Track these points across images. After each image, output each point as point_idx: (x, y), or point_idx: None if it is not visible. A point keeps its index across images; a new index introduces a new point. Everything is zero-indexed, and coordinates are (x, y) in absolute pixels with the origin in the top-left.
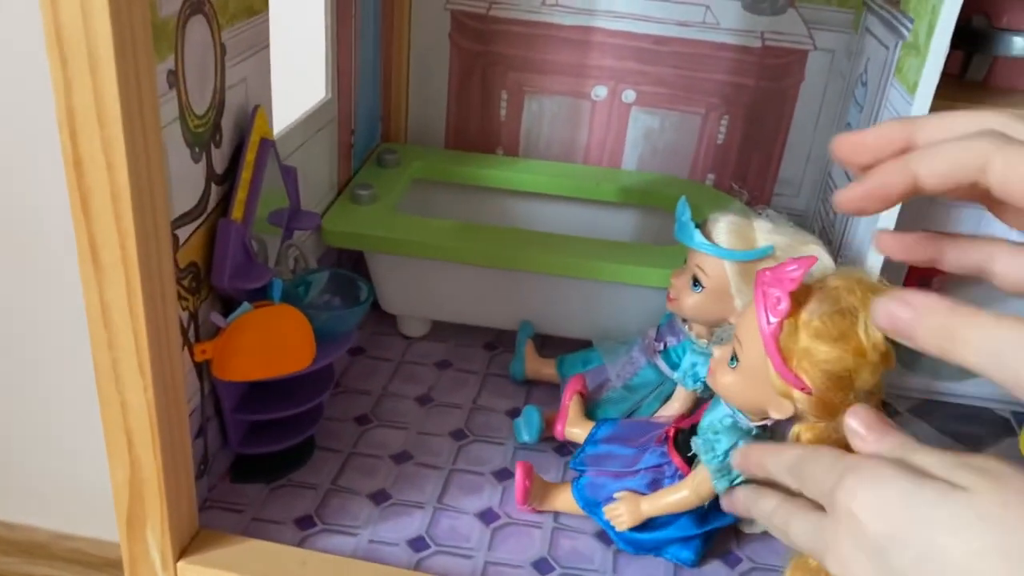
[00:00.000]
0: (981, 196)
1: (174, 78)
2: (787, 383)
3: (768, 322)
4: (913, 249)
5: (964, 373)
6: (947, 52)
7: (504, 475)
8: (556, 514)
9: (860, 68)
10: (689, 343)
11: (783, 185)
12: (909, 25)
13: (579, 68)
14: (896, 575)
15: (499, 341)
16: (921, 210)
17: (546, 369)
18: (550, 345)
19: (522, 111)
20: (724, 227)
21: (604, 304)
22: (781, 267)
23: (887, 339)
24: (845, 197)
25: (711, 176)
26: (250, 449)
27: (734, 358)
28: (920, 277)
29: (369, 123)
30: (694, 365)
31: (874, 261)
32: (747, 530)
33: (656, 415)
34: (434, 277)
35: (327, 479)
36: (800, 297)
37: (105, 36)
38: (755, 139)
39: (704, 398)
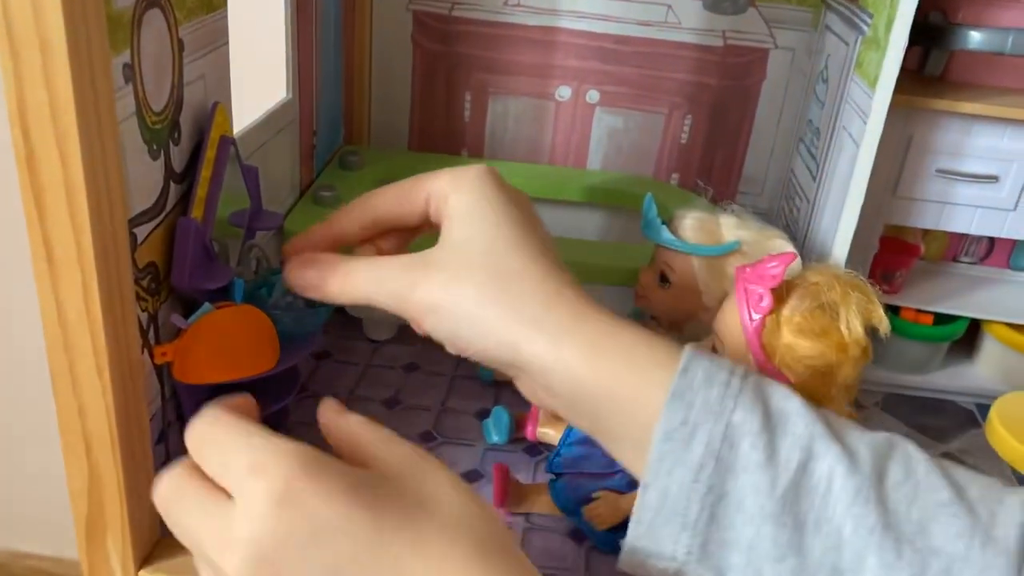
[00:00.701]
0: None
1: (130, 72)
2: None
3: (751, 319)
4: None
5: (925, 366)
6: (906, 46)
7: (474, 476)
8: (528, 514)
9: (821, 65)
10: None
11: (747, 183)
12: (868, 20)
13: (543, 68)
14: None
15: None
16: (883, 203)
17: None
18: None
19: (486, 112)
20: (690, 223)
21: None
22: (761, 264)
23: (865, 333)
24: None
25: (675, 175)
26: None
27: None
28: (884, 269)
29: (331, 125)
30: None
31: (839, 254)
32: None
33: None
34: None
35: None
36: (780, 293)
37: (58, 27)
38: (718, 138)
39: None
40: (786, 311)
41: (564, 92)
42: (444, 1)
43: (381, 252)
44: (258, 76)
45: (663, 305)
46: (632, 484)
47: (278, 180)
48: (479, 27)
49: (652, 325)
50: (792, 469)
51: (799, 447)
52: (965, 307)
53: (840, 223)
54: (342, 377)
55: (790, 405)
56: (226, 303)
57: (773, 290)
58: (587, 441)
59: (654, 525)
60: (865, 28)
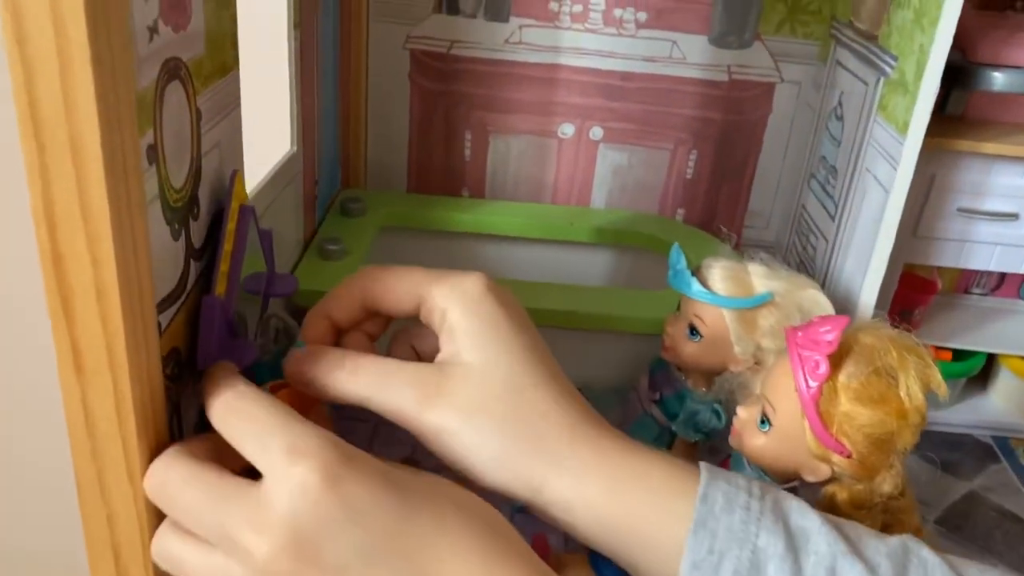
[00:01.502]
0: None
1: (154, 153)
2: (827, 447)
3: (808, 386)
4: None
5: (944, 401)
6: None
7: None
8: None
9: (833, 102)
10: (687, 392)
11: (753, 217)
12: (892, 62)
13: (545, 106)
14: None
15: None
16: (904, 243)
17: None
18: None
19: (487, 151)
20: (719, 274)
21: (588, 354)
22: (813, 328)
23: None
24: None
25: (681, 211)
26: None
27: (764, 420)
28: (903, 307)
29: (330, 170)
30: (694, 414)
31: (867, 299)
32: None
33: None
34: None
35: None
36: (834, 358)
37: (90, 116)
38: (724, 172)
39: (697, 444)
40: (843, 377)
41: (567, 129)
42: (442, 39)
43: (369, 336)
44: (256, 128)
45: (692, 358)
46: None
47: (283, 234)
48: (478, 65)
49: (679, 376)
50: None
51: (823, 567)
52: (982, 342)
53: (869, 268)
54: (352, 435)
55: (809, 523)
56: (280, 382)
57: (829, 356)
58: None
59: None
60: (888, 70)
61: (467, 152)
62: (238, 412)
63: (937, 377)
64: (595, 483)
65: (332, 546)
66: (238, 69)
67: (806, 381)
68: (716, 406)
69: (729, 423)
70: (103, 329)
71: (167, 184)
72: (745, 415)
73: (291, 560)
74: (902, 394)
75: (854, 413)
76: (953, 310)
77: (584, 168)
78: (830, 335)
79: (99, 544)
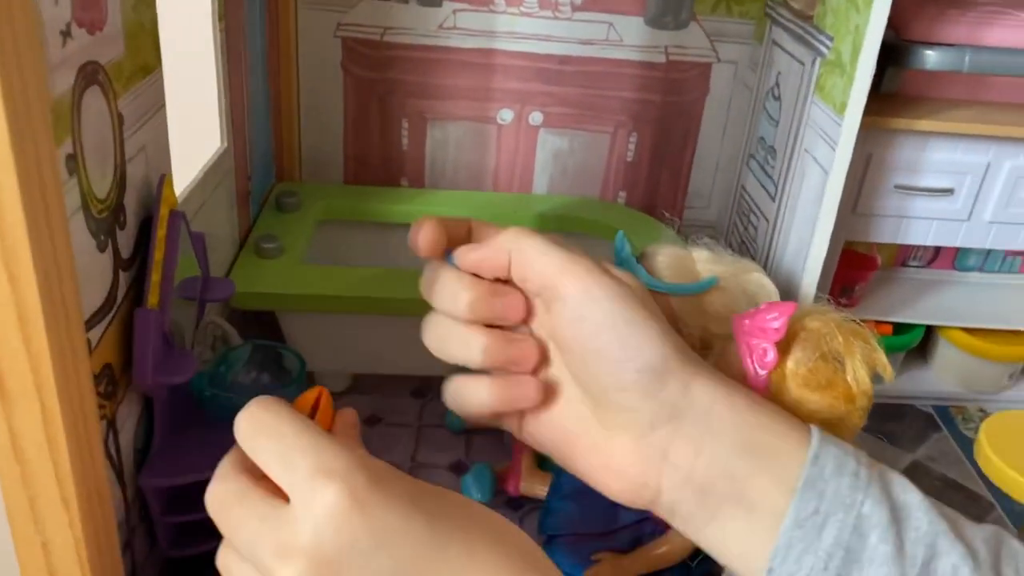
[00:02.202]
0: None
1: (74, 163)
2: None
3: (757, 374)
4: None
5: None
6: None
7: None
8: None
9: (771, 81)
10: None
11: (694, 198)
12: (828, 43)
13: (482, 92)
14: None
15: (427, 387)
16: (844, 221)
17: None
18: None
19: (425, 139)
20: (664, 261)
21: None
22: (760, 316)
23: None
24: None
25: (622, 194)
26: (182, 551)
27: None
28: (843, 284)
29: (264, 165)
30: None
31: (810, 280)
32: None
33: None
34: (355, 328)
35: None
36: (781, 344)
37: None
38: (664, 154)
39: None
40: (790, 364)
41: (506, 115)
42: (375, 26)
43: None
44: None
45: None
46: (634, 542)
47: (217, 234)
48: (413, 52)
49: None
50: (918, 564)
51: (923, 544)
52: (920, 314)
53: (811, 247)
54: None
55: (911, 498)
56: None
57: (777, 343)
58: (579, 494)
59: None
60: (824, 51)
61: (405, 141)
62: (265, 429)
63: (883, 360)
64: (740, 392)
65: (357, 573)
66: (161, 68)
67: (755, 369)
68: None
69: None
70: (27, 350)
71: (90, 195)
72: None
73: None
74: (849, 379)
75: (804, 399)
76: (891, 284)
77: (525, 154)
78: (777, 323)
79: (34, 573)
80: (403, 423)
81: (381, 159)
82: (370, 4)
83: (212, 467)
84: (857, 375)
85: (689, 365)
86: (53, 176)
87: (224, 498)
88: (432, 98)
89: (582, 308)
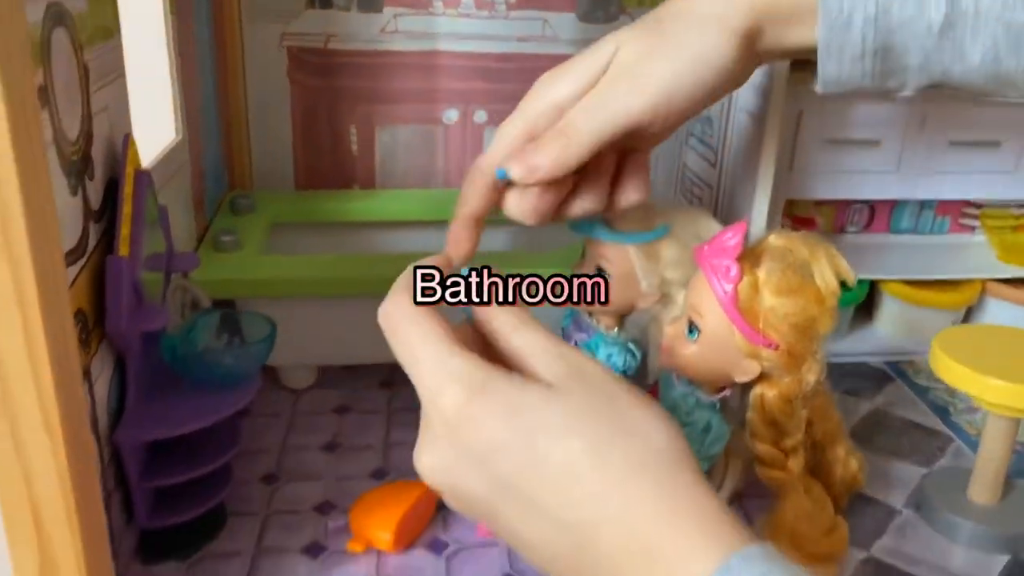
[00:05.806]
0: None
1: (45, 96)
2: (754, 344)
3: (724, 291)
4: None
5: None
6: None
7: (441, 503)
8: None
9: None
10: (600, 336)
11: None
12: None
13: (427, 93)
14: (502, 483)
15: (395, 378)
16: (782, 179)
17: None
18: None
19: (374, 144)
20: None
21: None
22: (717, 239)
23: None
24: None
25: None
26: (159, 522)
27: (692, 329)
28: None
29: (216, 170)
30: (610, 356)
31: (756, 231)
32: None
33: None
34: (318, 314)
35: (250, 543)
36: (749, 261)
37: None
38: None
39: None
40: (762, 274)
41: (451, 115)
42: (318, 34)
43: None
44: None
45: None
46: None
47: (176, 226)
48: (357, 58)
49: (589, 322)
50: None
51: None
52: (863, 270)
53: (754, 204)
54: (269, 430)
55: None
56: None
57: (738, 259)
58: None
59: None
60: None
61: (354, 147)
62: (398, 336)
63: (844, 265)
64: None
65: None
66: (120, 38)
67: (722, 286)
68: (630, 345)
69: (645, 358)
70: (8, 253)
71: (61, 134)
72: (673, 330)
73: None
74: (818, 281)
75: (777, 305)
76: (842, 238)
77: (472, 152)
78: (733, 240)
79: (16, 507)
80: (374, 410)
81: (332, 165)
82: (313, 13)
83: (188, 424)
84: (825, 276)
85: None
86: (32, 101)
87: (394, 313)
88: (379, 102)
89: None
